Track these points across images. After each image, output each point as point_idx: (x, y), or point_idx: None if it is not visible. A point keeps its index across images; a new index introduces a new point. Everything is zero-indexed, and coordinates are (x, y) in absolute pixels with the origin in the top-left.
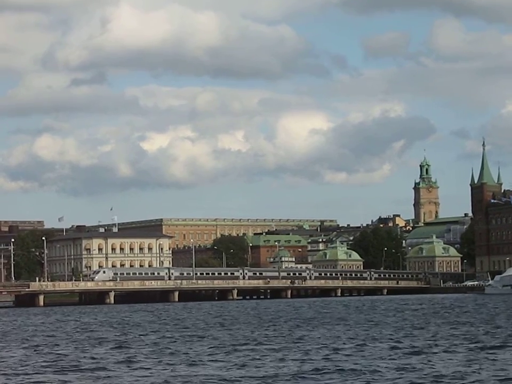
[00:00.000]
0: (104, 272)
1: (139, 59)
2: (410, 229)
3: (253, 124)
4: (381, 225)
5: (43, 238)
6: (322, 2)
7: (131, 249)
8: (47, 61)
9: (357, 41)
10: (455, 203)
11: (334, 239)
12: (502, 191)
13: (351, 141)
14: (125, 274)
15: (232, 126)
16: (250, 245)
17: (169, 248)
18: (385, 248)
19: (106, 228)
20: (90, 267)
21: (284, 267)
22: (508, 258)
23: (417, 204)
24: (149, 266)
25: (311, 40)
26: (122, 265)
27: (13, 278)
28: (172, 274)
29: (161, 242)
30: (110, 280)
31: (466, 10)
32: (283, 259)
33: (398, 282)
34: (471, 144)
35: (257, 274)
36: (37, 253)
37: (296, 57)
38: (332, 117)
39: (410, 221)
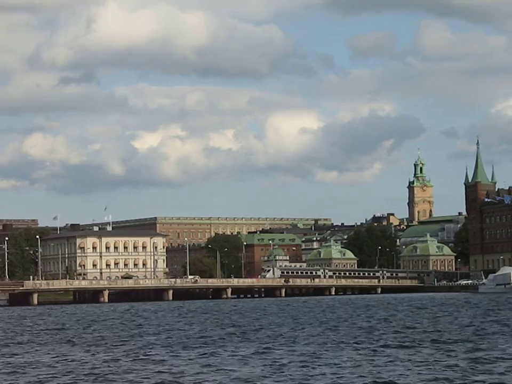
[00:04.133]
0: (273, 270)
1: (126, 59)
2: (405, 227)
3: (243, 122)
4: (375, 224)
5: (37, 236)
6: (309, 2)
7: (125, 247)
8: (34, 60)
9: (344, 41)
10: (449, 202)
11: (328, 237)
12: (496, 189)
13: (341, 140)
14: (290, 273)
15: (222, 125)
16: (245, 243)
17: (163, 247)
18: (380, 247)
19: (100, 226)
20: (84, 265)
21: (278, 266)
22: (501, 257)
23: (411, 203)
24: (143, 265)
25: (298, 40)
26: (116, 263)
27: (7, 276)
28: (327, 273)
29: (155, 241)
30: (279, 278)
31: (451, 11)
32: (277, 258)
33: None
34: (461, 144)
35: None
36: (31, 252)
37: (284, 57)
38: (321, 116)
39: (405, 219)
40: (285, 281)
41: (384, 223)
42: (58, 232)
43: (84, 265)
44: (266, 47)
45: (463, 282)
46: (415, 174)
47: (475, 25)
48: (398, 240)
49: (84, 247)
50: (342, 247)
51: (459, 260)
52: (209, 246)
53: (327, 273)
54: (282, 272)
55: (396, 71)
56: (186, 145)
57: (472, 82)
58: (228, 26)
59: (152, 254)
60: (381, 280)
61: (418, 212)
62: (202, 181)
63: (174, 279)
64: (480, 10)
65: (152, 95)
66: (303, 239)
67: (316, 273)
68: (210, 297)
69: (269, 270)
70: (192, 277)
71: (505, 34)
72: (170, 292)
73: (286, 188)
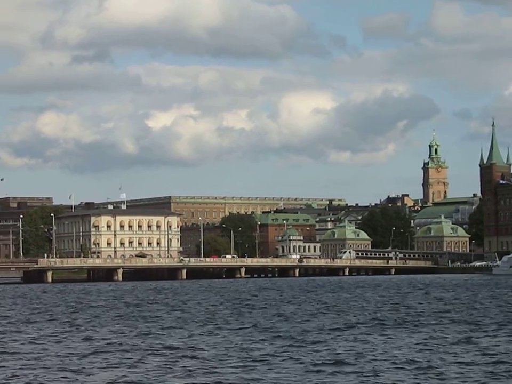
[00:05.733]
0: (350, 252)
1: (138, 38)
2: (419, 208)
3: (256, 102)
4: (390, 205)
5: (52, 214)
6: None
7: (139, 226)
8: (46, 39)
9: (356, 21)
10: (463, 183)
11: (342, 218)
12: (511, 171)
13: (354, 121)
14: (364, 254)
15: (235, 105)
16: (259, 223)
17: (178, 226)
18: (394, 228)
19: (114, 205)
20: (98, 244)
21: (292, 246)
22: None
23: (426, 184)
24: (157, 244)
25: (311, 20)
26: (130, 242)
27: (21, 254)
28: (398, 255)
29: (169, 220)
30: (351, 259)
31: None
32: (291, 237)
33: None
34: (475, 125)
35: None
36: (46, 230)
37: (297, 37)
38: (334, 96)
39: (419, 200)
40: (299, 261)
41: (399, 204)
42: (72, 210)
43: (98, 244)
44: (279, 27)
45: (477, 264)
46: (430, 155)
47: (488, 6)
48: (412, 221)
49: (98, 226)
50: (356, 228)
51: (473, 241)
52: (223, 225)
53: (398, 255)
54: (357, 254)
55: (409, 52)
56: (199, 124)
57: (486, 64)
58: (241, 6)
59: (166, 233)
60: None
61: (433, 193)
62: (216, 161)
63: (187, 258)
64: None
65: (166, 74)
66: (317, 219)
67: (387, 254)
68: (224, 276)
69: (345, 252)
70: (230, 256)
71: None
72: (184, 271)
73: (299, 168)
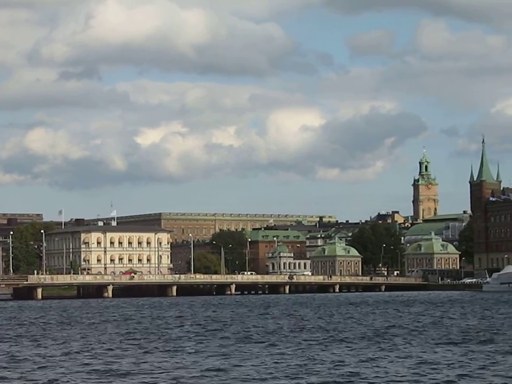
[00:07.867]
0: (417, 271)
1: (125, 55)
2: (409, 225)
3: (244, 119)
4: (380, 222)
5: (42, 231)
6: (308, 1)
7: (129, 243)
8: (33, 56)
9: (342, 39)
10: (454, 200)
11: (332, 235)
12: (501, 188)
13: (342, 138)
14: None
15: (223, 122)
16: (249, 240)
17: (168, 243)
18: (384, 245)
19: (105, 221)
20: (88, 260)
21: (282, 262)
22: (506, 256)
23: (416, 201)
24: (147, 260)
25: (298, 39)
26: (120, 259)
27: (11, 270)
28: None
29: (159, 237)
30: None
31: (449, 11)
32: (281, 254)
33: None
34: (462, 142)
35: None
36: (36, 246)
37: (284, 55)
38: (322, 113)
39: (409, 217)
40: (289, 277)
41: (389, 221)
42: (63, 227)
43: (88, 260)
44: (266, 45)
45: (467, 280)
46: (420, 172)
47: (473, 24)
48: (402, 238)
49: (88, 242)
50: (346, 245)
51: (463, 258)
52: (214, 242)
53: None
54: (424, 272)
55: (396, 70)
56: (188, 141)
57: (472, 81)
58: (228, 24)
59: (156, 249)
60: None
61: (423, 210)
62: (204, 177)
63: (178, 275)
64: (478, 10)
65: (153, 91)
66: (308, 236)
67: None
68: (214, 293)
69: (413, 271)
70: (250, 272)
71: (503, 34)
72: (174, 288)
73: (288, 185)
